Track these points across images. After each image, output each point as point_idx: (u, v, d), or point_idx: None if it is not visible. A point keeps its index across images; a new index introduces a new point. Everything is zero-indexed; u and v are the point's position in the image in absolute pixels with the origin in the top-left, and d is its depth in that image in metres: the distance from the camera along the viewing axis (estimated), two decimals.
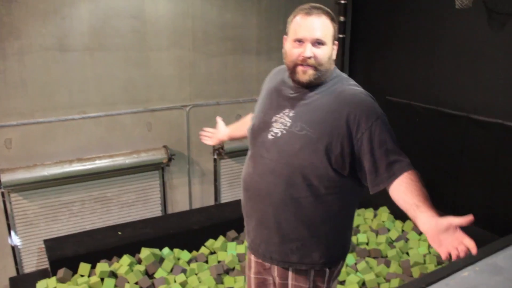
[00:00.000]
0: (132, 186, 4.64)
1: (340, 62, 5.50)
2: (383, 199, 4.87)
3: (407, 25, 4.84)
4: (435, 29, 4.54)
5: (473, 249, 1.50)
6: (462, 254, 1.51)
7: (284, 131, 1.83)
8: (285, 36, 1.87)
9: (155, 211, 4.84)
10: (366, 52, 5.47)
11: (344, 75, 1.96)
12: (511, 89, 3.96)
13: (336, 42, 1.88)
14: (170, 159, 4.64)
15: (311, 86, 1.84)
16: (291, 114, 1.84)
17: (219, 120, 2.56)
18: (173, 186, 4.91)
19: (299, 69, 1.80)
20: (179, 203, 4.99)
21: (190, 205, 5.06)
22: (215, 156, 5.04)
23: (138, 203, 4.72)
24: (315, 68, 1.78)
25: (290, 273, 1.97)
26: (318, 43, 1.77)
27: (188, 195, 5.02)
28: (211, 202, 5.17)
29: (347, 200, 1.90)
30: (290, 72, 1.86)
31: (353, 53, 5.62)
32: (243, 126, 2.30)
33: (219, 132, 2.54)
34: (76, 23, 4.02)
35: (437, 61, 4.58)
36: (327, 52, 1.80)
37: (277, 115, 1.88)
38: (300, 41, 1.78)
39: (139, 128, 4.57)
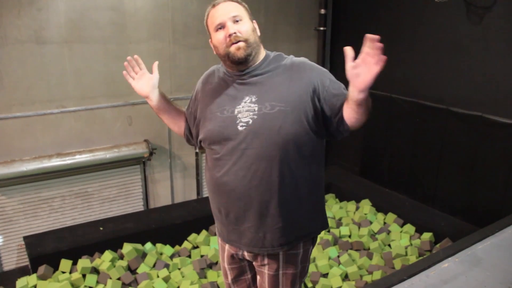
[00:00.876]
0: (113, 181, 4.59)
1: (321, 54, 5.50)
2: (365, 192, 4.91)
3: (387, 18, 4.86)
4: (415, 22, 4.56)
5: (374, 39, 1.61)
6: (378, 64, 1.61)
7: (256, 117, 1.85)
8: (210, 40, 1.97)
9: (137, 206, 4.80)
10: (346, 45, 5.45)
11: (274, 52, 2.05)
12: (489, 81, 4.01)
13: (255, 21, 1.97)
14: (151, 153, 4.61)
15: (248, 62, 1.90)
16: (253, 99, 1.87)
17: (156, 65, 2.25)
18: (154, 181, 4.87)
19: (232, 48, 1.86)
20: (161, 198, 4.96)
21: (172, 199, 5.03)
22: (197, 150, 5.01)
23: (119, 198, 4.67)
24: (245, 41, 1.86)
25: (281, 263, 2.03)
26: (235, 20, 1.87)
27: (170, 189, 4.99)
28: (193, 196, 5.15)
29: (323, 164, 2.04)
30: (226, 58, 1.91)
31: (334, 46, 5.63)
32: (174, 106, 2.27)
33: (152, 77, 2.24)
34: (53, 15, 3.94)
35: (417, 54, 4.61)
36: (249, 26, 1.89)
37: (238, 107, 1.89)
38: (220, 27, 1.88)
39: (119, 122, 4.51)
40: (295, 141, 1.84)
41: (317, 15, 5.39)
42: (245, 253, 2.08)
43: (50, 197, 4.29)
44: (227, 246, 2.16)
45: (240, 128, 1.86)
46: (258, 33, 1.95)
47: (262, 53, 1.96)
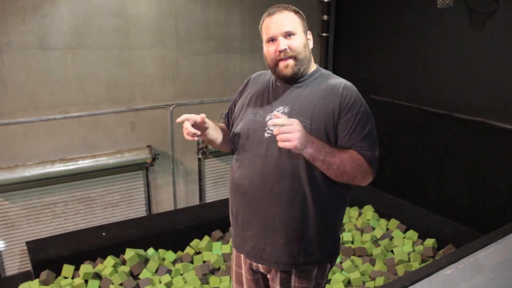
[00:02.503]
0: (116, 186, 4.60)
1: (324, 60, 5.51)
2: (368, 198, 4.90)
3: (390, 24, 4.87)
4: (418, 28, 4.57)
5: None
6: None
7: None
8: (263, 45, 1.94)
9: (140, 211, 4.80)
10: (349, 51, 5.49)
11: (329, 72, 2.00)
12: (492, 87, 4.02)
13: (309, 32, 1.94)
14: (154, 159, 4.61)
15: (296, 78, 1.89)
16: (286, 111, 1.87)
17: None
18: (157, 186, 4.88)
19: (281, 64, 1.86)
20: (164, 203, 4.96)
21: (175, 205, 5.03)
22: (200, 156, 5.01)
23: (122, 204, 4.67)
24: (294, 58, 1.84)
25: (293, 277, 1.96)
26: (288, 35, 1.84)
27: (172, 195, 4.99)
28: (195, 202, 5.15)
29: (342, 192, 1.93)
30: (274, 71, 1.92)
31: (337, 52, 5.64)
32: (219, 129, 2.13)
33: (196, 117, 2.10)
34: (57, 21, 3.96)
35: (420, 59, 4.62)
36: (301, 41, 1.86)
37: (271, 114, 1.89)
38: (272, 39, 1.86)
39: (122, 127, 4.52)
40: (312, 165, 1.79)
41: (320, 21, 5.41)
42: (259, 265, 2.06)
43: (53, 202, 4.30)
44: (247, 269, 2.13)
45: (265, 135, 1.87)
46: (311, 46, 1.93)
47: (312, 67, 1.95)
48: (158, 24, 4.45)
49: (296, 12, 1.89)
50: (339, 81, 1.91)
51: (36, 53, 3.94)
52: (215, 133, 2.04)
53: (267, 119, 1.89)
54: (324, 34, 5.45)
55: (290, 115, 1.83)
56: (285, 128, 1.61)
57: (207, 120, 1.92)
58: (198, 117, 1.85)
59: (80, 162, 4.26)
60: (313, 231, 1.89)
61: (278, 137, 1.61)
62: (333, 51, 5.64)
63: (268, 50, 1.88)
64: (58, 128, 4.21)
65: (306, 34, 1.91)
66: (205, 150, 4.93)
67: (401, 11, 4.74)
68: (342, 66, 5.58)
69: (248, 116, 1.97)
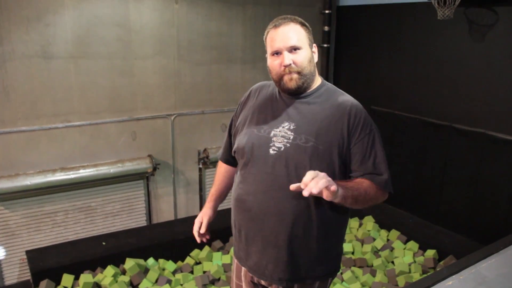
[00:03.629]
0: (116, 195, 4.60)
1: (325, 71, 5.53)
2: (368, 209, 4.89)
3: (391, 35, 4.90)
4: (418, 39, 4.60)
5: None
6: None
7: (288, 145, 1.82)
8: (266, 55, 1.91)
9: (140, 221, 4.79)
10: (350, 62, 5.51)
11: (334, 87, 1.99)
12: (492, 98, 4.03)
13: (315, 45, 1.92)
14: (155, 169, 4.61)
15: (300, 92, 1.87)
16: (291, 127, 1.84)
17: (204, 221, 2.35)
18: (158, 196, 4.87)
19: (285, 78, 1.83)
20: (164, 213, 4.96)
21: (175, 214, 5.02)
22: (200, 166, 5.02)
23: (122, 213, 4.67)
24: (298, 73, 1.82)
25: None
26: (293, 49, 1.81)
27: (173, 204, 4.99)
28: (196, 211, 5.13)
29: (345, 209, 1.91)
30: (278, 85, 1.89)
31: (337, 62, 5.66)
32: (221, 184, 2.34)
33: (204, 217, 2.34)
34: (60, 30, 3.99)
35: (420, 70, 4.64)
36: (306, 55, 1.83)
37: (276, 130, 1.87)
38: (277, 53, 1.83)
39: (123, 137, 4.53)
40: None
41: (320, 32, 5.44)
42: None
43: (53, 211, 4.29)
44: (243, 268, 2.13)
45: (271, 152, 1.84)
46: (316, 59, 1.91)
47: (317, 81, 1.93)
48: (160, 34, 4.48)
49: (302, 25, 1.86)
50: (345, 99, 1.88)
51: (39, 62, 3.96)
52: (219, 203, 2.35)
53: (271, 134, 1.87)
54: (325, 45, 5.47)
55: (296, 132, 1.82)
56: (316, 178, 1.53)
57: (208, 217, 2.33)
58: (203, 227, 2.29)
59: (81, 171, 4.26)
60: (316, 248, 1.88)
61: (313, 188, 1.50)
62: (334, 62, 5.67)
63: (273, 63, 1.85)
64: (60, 137, 4.22)
65: (311, 48, 1.88)
66: (206, 160, 4.93)
67: (402, 23, 4.77)
68: (343, 76, 5.60)
69: (252, 130, 1.94)
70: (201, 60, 4.76)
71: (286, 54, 1.80)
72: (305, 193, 1.49)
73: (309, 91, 1.89)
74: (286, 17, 1.86)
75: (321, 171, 1.66)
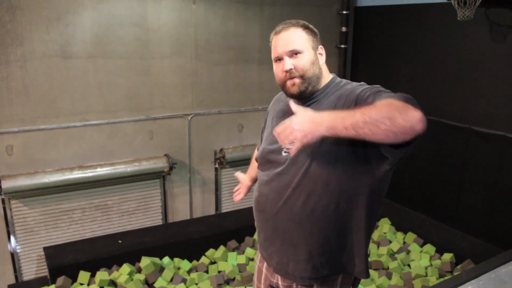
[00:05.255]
0: (133, 194, 4.63)
1: (342, 72, 5.51)
2: (385, 211, 4.86)
3: (409, 36, 4.86)
4: (437, 40, 4.55)
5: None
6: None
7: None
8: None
9: (156, 219, 4.82)
10: (367, 63, 5.48)
11: (345, 81, 1.93)
12: None
13: (321, 46, 1.89)
14: (171, 168, 4.63)
15: (305, 96, 1.84)
16: None
17: (239, 174, 2.46)
18: (174, 195, 4.90)
19: (287, 83, 1.82)
20: (180, 212, 4.98)
21: (191, 214, 5.04)
22: (216, 165, 5.03)
23: (138, 212, 4.70)
24: (301, 77, 1.80)
25: (315, 286, 1.93)
26: (294, 53, 1.79)
27: (189, 204, 5.01)
28: (212, 211, 5.15)
29: (370, 208, 1.79)
30: (283, 91, 1.89)
31: (354, 63, 5.63)
32: (254, 171, 2.34)
33: (243, 182, 2.44)
34: (79, 30, 4.03)
35: (439, 72, 4.59)
36: (308, 59, 1.80)
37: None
38: (279, 59, 1.83)
39: (140, 136, 4.56)
40: (328, 177, 1.76)
41: (338, 32, 5.42)
42: (279, 282, 2.03)
43: (71, 209, 4.34)
44: (264, 270, 2.13)
45: (283, 154, 1.87)
46: (322, 61, 1.87)
47: (325, 80, 1.88)
48: (178, 34, 4.50)
49: (304, 28, 1.83)
50: (348, 87, 1.82)
51: (58, 61, 4.01)
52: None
53: None
54: (342, 46, 5.45)
55: None
56: (283, 131, 1.52)
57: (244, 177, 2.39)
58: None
59: (99, 169, 4.30)
60: (335, 244, 1.85)
61: (280, 142, 1.54)
62: (351, 63, 5.64)
63: (276, 69, 1.86)
64: (78, 135, 4.26)
65: (316, 50, 1.85)
66: (222, 160, 4.94)
67: (421, 23, 4.72)
68: (360, 78, 5.55)
69: (269, 137, 1.97)
70: (218, 60, 4.77)
71: (286, 59, 1.80)
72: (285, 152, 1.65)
73: (315, 94, 1.86)
74: (287, 22, 1.85)
75: (329, 167, 1.72)
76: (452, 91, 4.48)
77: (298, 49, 1.79)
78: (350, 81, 1.92)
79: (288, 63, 1.79)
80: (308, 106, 1.84)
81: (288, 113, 1.92)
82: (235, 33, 4.80)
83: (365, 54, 5.50)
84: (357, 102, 1.67)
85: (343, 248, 1.87)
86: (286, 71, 1.79)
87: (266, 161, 1.95)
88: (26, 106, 3.97)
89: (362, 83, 1.84)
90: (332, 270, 1.90)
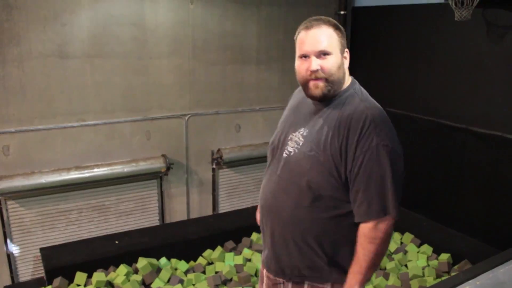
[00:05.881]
0: (130, 195, 4.62)
1: None
2: None
3: (407, 36, 4.86)
4: (434, 41, 4.55)
5: None
6: None
7: (296, 150, 1.83)
8: (296, 56, 1.85)
9: (153, 220, 4.81)
10: (365, 63, 5.47)
11: (360, 90, 1.89)
12: (510, 101, 3.97)
13: (347, 50, 1.84)
14: (168, 168, 4.62)
15: (326, 99, 1.80)
16: (304, 133, 1.84)
17: None
18: (171, 196, 4.88)
19: (311, 84, 1.77)
20: (177, 213, 4.97)
21: (188, 214, 5.03)
22: (214, 166, 5.02)
23: (136, 212, 4.69)
24: (325, 80, 1.75)
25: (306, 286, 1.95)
26: (323, 54, 1.73)
27: (186, 204, 4.99)
28: (209, 212, 5.14)
29: (352, 221, 1.80)
30: (304, 89, 1.83)
31: (352, 64, 5.60)
32: None
33: None
34: (76, 30, 4.02)
35: (436, 72, 4.59)
36: (335, 62, 1.76)
37: (293, 134, 1.88)
38: (305, 56, 1.75)
39: (138, 136, 4.55)
40: (317, 189, 1.76)
41: None
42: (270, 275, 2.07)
43: (68, 209, 4.33)
44: (265, 276, 2.13)
45: (284, 154, 1.87)
46: (347, 64, 1.84)
47: (345, 85, 1.85)
48: (175, 34, 4.49)
49: (336, 28, 1.77)
50: (355, 108, 1.76)
51: (55, 61, 4.00)
52: None
53: (289, 137, 1.89)
54: None
55: (306, 139, 1.82)
56: None
57: None
58: None
59: (96, 170, 4.29)
60: (319, 252, 1.85)
61: None
62: (349, 63, 5.63)
63: (300, 66, 1.78)
64: (75, 135, 4.25)
65: (343, 53, 1.80)
66: (220, 160, 4.93)
67: (418, 24, 4.72)
68: (357, 78, 5.53)
69: (278, 132, 1.99)
70: (215, 60, 4.76)
71: (313, 59, 1.73)
72: None
73: (335, 97, 1.82)
74: (319, 19, 1.77)
75: (317, 181, 1.73)
76: (449, 92, 4.48)
77: (327, 50, 1.73)
78: (362, 91, 1.88)
79: (315, 63, 1.73)
80: (321, 110, 1.83)
81: (298, 108, 1.95)
82: (232, 33, 4.79)
83: (363, 54, 5.49)
84: (347, 171, 1.74)
85: (325, 257, 1.87)
86: (312, 72, 1.73)
87: (271, 158, 1.98)
88: (23, 106, 3.96)
89: (360, 108, 1.77)
90: (313, 273, 1.90)
